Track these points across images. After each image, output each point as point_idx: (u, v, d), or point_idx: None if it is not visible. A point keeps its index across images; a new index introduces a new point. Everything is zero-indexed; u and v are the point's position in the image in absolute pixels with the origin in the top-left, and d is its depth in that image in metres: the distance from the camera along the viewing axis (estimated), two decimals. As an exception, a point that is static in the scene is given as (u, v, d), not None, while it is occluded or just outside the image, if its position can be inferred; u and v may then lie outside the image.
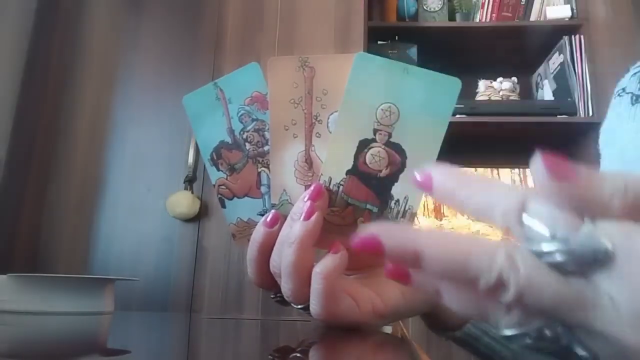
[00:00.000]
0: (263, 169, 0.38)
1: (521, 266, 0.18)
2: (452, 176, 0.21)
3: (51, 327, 0.41)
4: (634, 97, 0.48)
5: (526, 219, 0.19)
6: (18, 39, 1.62)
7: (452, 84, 0.33)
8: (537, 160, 0.19)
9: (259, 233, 0.36)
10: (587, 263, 0.17)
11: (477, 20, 1.90)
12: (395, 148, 0.34)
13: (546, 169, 0.19)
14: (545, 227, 0.18)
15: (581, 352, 0.18)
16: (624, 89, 0.49)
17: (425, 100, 0.34)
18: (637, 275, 0.17)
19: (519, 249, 0.19)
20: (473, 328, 0.40)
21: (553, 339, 0.19)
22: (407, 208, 0.35)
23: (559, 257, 0.18)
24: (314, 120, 0.36)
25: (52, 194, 1.54)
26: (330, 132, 0.35)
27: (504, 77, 1.85)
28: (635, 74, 0.50)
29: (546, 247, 0.18)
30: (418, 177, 0.22)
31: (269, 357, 0.30)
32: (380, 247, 0.20)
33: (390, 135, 0.34)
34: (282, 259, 0.34)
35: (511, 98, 1.82)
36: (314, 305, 0.33)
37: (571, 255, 0.17)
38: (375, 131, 0.34)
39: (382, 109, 0.34)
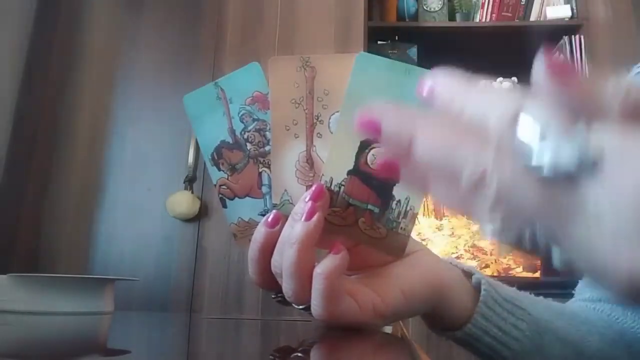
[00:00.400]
0: (264, 169, 0.38)
1: (507, 167, 0.18)
2: (452, 83, 0.21)
3: (51, 327, 0.41)
4: None
5: (520, 120, 0.18)
6: (18, 39, 1.62)
7: None
8: (539, 60, 0.18)
9: (260, 233, 0.36)
10: (573, 167, 0.17)
11: (477, 20, 1.90)
12: None
13: (548, 68, 0.18)
14: (537, 128, 0.18)
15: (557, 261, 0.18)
16: None
17: None
18: (625, 181, 0.16)
19: (508, 151, 0.18)
20: (473, 328, 0.40)
21: (532, 243, 0.18)
22: (408, 208, 0.35)
23: (547, 160, 0.17)
24: (315, 121, 0.36)
25: (52, 194, 1.54)
26: (332, 133, 0.35)
27: (504, 77, 1.85)
28: (639, 73, 0.50)
29: (536, 149, 0.17)
30: (422, 91, 0.22)
31: (269, 357, 0.30)
32: (378, 126, 0.20)
33: None
34: (283, 259, 0.34)
35: (511, 98, 1.82)
36: (315, 306, 0.33)
37: (558, 158, 0.17)
38: None
39: None
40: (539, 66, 0.19)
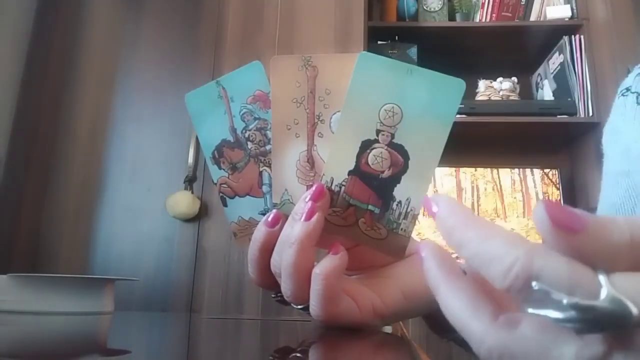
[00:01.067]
0: (265, 168, 0.38)
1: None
2: (454, 214, 0.20)
3: (51, 327, 0.41)
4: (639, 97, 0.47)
5: (537, 284, 0.17)
6: (18, 39, 1.62)
7: (456, 85, 0.33)
8: (540, 211, 0.17)
9: (260, 233, 0.36)
10: (609, 327, 0.16)
11: (477, 20, 1.90)
12: (397, 149, 0.34)
13: (551, 220, 0.17)
14: (561, 294, 0.17)
15: None
16: (628, 89, 0.49)
17: (428, 101, 0.33)
18: None
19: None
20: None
21: None
22: (409, 209, 0.34)
23: (578, 325, 0.16)
24: (316, 120, 0.36)
25: (52, 194, 1.54)
26: (333, 132, 0.35)
27: (504, 77, 1.85)
28: (639, 74, 0.49)
29: (562, 313, 0.16)
30: (428, 204, 0.22)
31: (269, 357, 0.30)
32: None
33: (393, 136, 0.34)
34: (283, 259, 0.34)
35: (511, 98, 1.82)
36: (314, 306, 0.33)
37: (593, 323, 0.16)
38: (377, 132, 0.34)
39: (385, 110, 0.34)
40: (541, 216, 0.18)
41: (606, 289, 0.16)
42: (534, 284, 0.17)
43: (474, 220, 0.20)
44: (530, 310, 0.17)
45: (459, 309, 0.20)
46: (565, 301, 0.16)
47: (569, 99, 1.71)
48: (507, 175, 1.83)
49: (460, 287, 0.20)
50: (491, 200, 1.81)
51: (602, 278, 0.16)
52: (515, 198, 1.80)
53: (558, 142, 1.85)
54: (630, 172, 0.45)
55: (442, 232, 0.21)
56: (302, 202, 0.34)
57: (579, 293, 0.16)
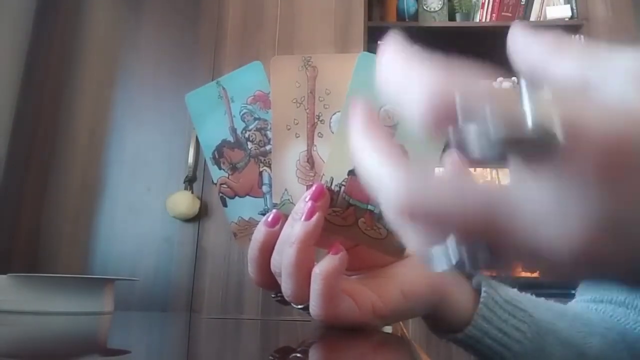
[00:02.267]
0: (265, 168, 0.38)
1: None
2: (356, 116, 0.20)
3: (51, 327, 0.41)
4: None
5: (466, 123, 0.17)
6: (18, 39, 1.62)
7: None
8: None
9: (260, 233, 0.36)
10: (543, 149, 0.16)
11: (477, 20, 1.90)
12: None
13: None
14: (495, 123, 0.16)
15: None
16: None
17: None
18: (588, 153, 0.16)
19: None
20: (474, 330, 0.40)
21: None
22: None
23: (517, 148, 0.17)
24: (316, 120, 0.36)
25: (52, 193, 1.54)
26: (333, 132, 0.35)
27: (503, 77, 1.85)
28: None
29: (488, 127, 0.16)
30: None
31: (269, 357, 0.30)
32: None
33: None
34: (283, 258, 0.34)
35: (511, 98, 1.82)
36: (314, 306, 0.33)
37: (527, 146, 0.16)
38: None
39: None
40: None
41: (530, 107, 0.16)
42: (457, 98, 0.16)
43: (364, 131, 0.20)
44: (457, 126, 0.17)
45: (373, 165, 0.19)
46: (488, 110, 0.16)
47: (569, 99, 1.71)
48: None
49: (378, 146, 0.20)
50: (491, 200, 1.81)
51: (526, 103, 0.16)
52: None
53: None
54: None
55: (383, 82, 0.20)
56: (302, 202, 0.34)
57: (506, 122, 0.16)
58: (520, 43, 0.20)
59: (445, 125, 0.17)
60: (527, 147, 0.16)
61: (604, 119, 0.16)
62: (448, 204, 0.17)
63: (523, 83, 0.17)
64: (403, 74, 0.19)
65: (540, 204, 0.17)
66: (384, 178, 0.19)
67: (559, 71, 0.19)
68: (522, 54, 0.20)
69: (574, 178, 0.16)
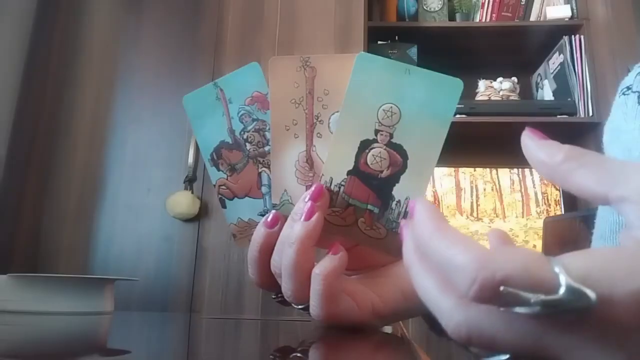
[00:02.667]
0: (264, 169, 0.38)
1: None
2: (424, 222, 0.22)
3: (51, 327, 0.41)
4: None
5: (505, 289, 0.18)
6: (18, 39, 1.62)
7: (454, 85, 0.33)
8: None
9: (259, 233, 0.36)
10: (573, 314, 0.18)
11: (477, 20, 1.90)
12: (396, 149, 0.34)
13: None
14: (527, 294, 0.18)
15: None
16: (628, 87, 0.49)
17: (426, 101, 0.33)
18: (625, 311, 0.17)
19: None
20: (474, 329, 0.40)
21: None
22: (408, 209, 0.35)
23: (542, 311, 0.18)
24: (315, 121, 0.36)
25: (52, 194, 1.54)
26: (332, 133, 0.35)
27: (504, 77, 1.85)
28: (639, 73, 0.49)
29: (532, 309, 0.18)
30: (411, 209, 0.23)
31: (269, 357, 0.30)
32: None
33: (391, 136, 0.34)
34: (283, 259, 0.34)
35: (511, 98, 1.82)
36: (314, 306, 0.33)
37: (559, 313, 0.18)
38: (376, 132, 0.34)
39: (383, 110, 0.34)
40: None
41: (564, 280, 0.17)
42: (501, 288, 0.18)
43: (440, 230, 0.21)
44: (501, 309, 0.19)
45: (430, 287, 0.21)
46: (531, 300, 0.18)
47: (569, 99, 1.71)
48: (506, 175, 1.83)
49: (433, 268, 0.22)
50: (490, 200, 1.81)
51: (557, 269, 0.18)
52: (514, 198, 1.80)
53: (558, 142, 1.85)
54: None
55: (416, 239, 0.22)
56: (302, 202, 0.34)
57: (541, 291, 0.18)
58: (535, 155, 0.22)
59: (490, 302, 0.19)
60: (562, 308, 0.18)
61: (635, 279, 0.17)
62: (501, 333, 0.19)
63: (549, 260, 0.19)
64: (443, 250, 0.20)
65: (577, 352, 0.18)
66: (440, 304, 0.21)
67: (578, 185, 0.21)
68: (538, 165, 0.22)
69: (608, 334, 0.18)
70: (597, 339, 0.18)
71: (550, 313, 0.18)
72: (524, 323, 0.19)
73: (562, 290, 0.17)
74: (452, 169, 1.84)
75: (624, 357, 0.18)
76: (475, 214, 1.80)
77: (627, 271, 0.17)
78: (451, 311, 0.20)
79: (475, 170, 1.84)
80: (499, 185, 1.82)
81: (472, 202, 1.81)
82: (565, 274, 0.18)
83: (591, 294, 0.17)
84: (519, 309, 0.18)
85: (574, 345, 0.18)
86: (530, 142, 0.22)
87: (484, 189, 1.82)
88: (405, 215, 0.35)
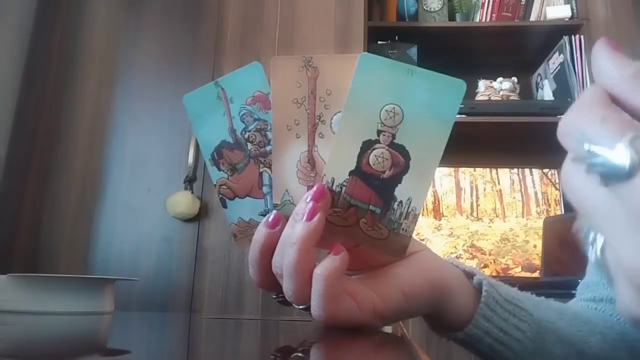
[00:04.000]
0: (265, 169, 0.38)
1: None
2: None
3: (51, 327, 0.41)
4: None
5: (576, 135, 0.19)
6: (18, 38, 1.62)
7: (456, 86, 0.33)
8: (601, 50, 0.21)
9: (260, 234, 0.36)
10: (615, 176, 0.18)
11: (477, 20, 1.90)
12: (399, 149, 0.34)
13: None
14: (587, 143, 0.19)
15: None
16: None
17: (429, 101, 0.33)
18: None
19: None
20: (475, 329, 0.40)
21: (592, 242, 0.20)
22: (410, 209, 0.34)
23: (595, 169, 0.19)
24: (317, 121, 0.36)
25: (52, 194, 1.54)
26: (334, 133, 0.35)
27: (504, 77, 1.85)
28: None
29: (588, 159, 0.19)
30: None
31: (269, 357, 0.30)
32: None
33: (394, 137, 0.34)
34: (284, 259, 0.34)
35: (511, 98, 1.82)
36: (315, 307, 0.33)
37: (603, 168, 0.18)
38: (379, 132, 0.34)
39: (386, 110, 0.34)
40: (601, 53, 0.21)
41: (623, 144, 0.18)
42: (576, 134, 0.19)
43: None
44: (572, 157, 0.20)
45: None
46: (587, 148, 0.19)
47: (569, 99, 1.71)
48: (506, 175, 1.83)
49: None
50: (490, 200, 1.81)
51: (628, 135, 0.18)
52: (514, 198, 1.80)
53: (558, 142, 1.85)
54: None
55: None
56: (303, 203, 0.34)
57: (601, 144, 0.18)
58: (603, 64, 0.22)
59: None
60: (606, 168, 0.18)
61: None
62: None
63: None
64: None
65: None
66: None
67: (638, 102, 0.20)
68: (603, 75, 0.22)
69: None
70: (629, 215, 0.18)
71: (602, 170, 0.18)
72: (593, 184, 0.19)
73: (616, 149, 0.18)
74: (452, 169, 1.84)
75: None
76: (475, 214, 1.80)
77: None
78: (565, 162, 0.21)
79: (475, 170, 1.84)
80: (499, 185, 1.82)
81: (472, 202, 1.81)
82: (631, 139, 0.18)
83: (635, 160, 0.17)
84: (581, 158, 0.19)
85: (613, 220, 0.18)
86: (601, 51, 0.22)
87: (484, 189, 1.83)
88: (407, 216, 0.35)
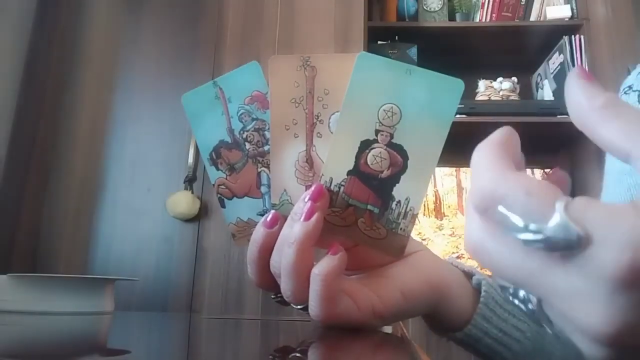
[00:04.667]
0: (263, 168, 0.38)
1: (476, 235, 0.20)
2: (481, 151, 0.22)
3: (51, 327, 0.41)
4: None
5: (501, 208, 0.19)
6: (18, 39, 1.62)
7: (455, 85, 0.33)
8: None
9: (258, 233, 0.36)
10: (561, 249, 0.18)
11: (477, 20, 1.90)
12: (397, 149, 0.34)
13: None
14: (519, 218, 0.18)
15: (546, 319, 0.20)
16: (630, 87, 0.49)
17: (427, 101, 0.33)
18: (611, 261, 0.17)
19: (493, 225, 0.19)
20: (474, 329, 0.40)
21: (524, 299, 0.20)
22: (408, 209, 0.34)
23: (535, 245, 0.18)
24: (315, 120, 0.36)
25: (52, 194, 1.54)
26: (332, 132, 0.35)
27: (504, 77, 1.85)
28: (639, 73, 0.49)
29: (522, 236, 0.18)
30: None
31: (269, 357, 0.30)
32: None
33: (392, 136, 0.34)
34: (282, 259, 0.34)
35: (511, 98, 1.82)
36: (313, 306, 0.33)
37: (545, 243, 0.18)
38: (377, 132, 0.34)
39: (384, 110, 0.34)
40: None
41: (559, 215, 0.17)
42: (499, 207, 0.18)
43: (483, 157, 0.21)
44: (501, 232, 0.19)
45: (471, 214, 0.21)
46: (521, 224, 0.18)
47: (569, 99, 1.70)
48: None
49: (496, 154, 0.21)
50: (491, 200, 1.81)
51: (559, 205, 0.18)
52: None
53: (558, 142, 1.85)
54: (632, 170, 0.46)
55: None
56: (302, 202, 0.34)
57: (532, 218, 0.18)
58: (574, 94, 0.21)
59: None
60: (548, 241, 0.18)
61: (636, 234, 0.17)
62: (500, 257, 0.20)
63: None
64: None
65: (567, 289, 0.18)
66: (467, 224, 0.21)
67: (605, 136, 0.20)
68: (574, 105, 0.21)
69: (594, 283, 0.17)
70: (581, 285, 0.18)
71: (540, 245, 0.18)
72: (521, 254, 0.19)
73: (553, 222, 0.17)
74: (454, 168, 1.84)
75: (606, 312, 0.17)
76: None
77: (630, 225, 0.17)
78: (471, 228, 0.20)
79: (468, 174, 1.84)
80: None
81: (472, 202, 1.81)
82: (565, 209, 0.17)
83: (579, 232, 0.17)
84: (514, 234, 0.18)
85: (557, 288, 0.18)
86: (574, 81, 0.21)
87: (485, 189, 1.82)
88: (405, 216, 0.35)
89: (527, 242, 0.18)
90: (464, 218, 0.21)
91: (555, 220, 0.17)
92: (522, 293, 0.21)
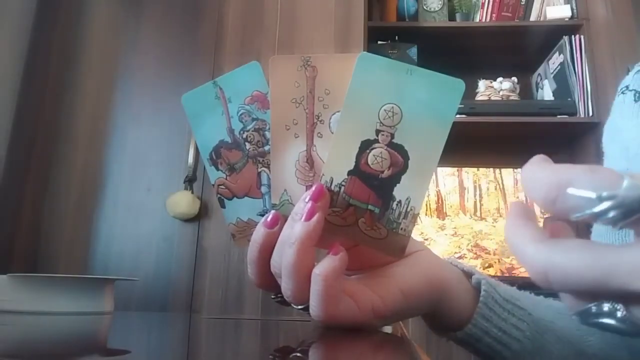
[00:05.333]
0: (263, 168, 0.38)
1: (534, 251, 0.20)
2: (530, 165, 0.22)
3: (51, 327, 0.41)
4: (637, 94, 0.48)
5: (571, 190, 0.20)
6: (18, 39, 1.62)
7: (455, 85, 0.33)
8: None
9: (259, 234, 0.36)
10: (637, 209, 0.19)
11: (477, 20, 1.90)
12: (397, 149, 0.34)
13: None
14: (590, 192, 0.19)
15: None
16: (627, 87, 0.49)
17: (428, 101, 0.33)
18: None
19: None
20: (474, 329, 0.40)
21: (611, 311, 0.21)
22: (409, 209, 0.34)
23: (611, 213, 0.19)
24: (315, 120, 0.36)
25: (52, 194, 1.54)
26: (332, 132, 0.35)
27: (504, 77, 1.85)
28: (639, 71, 0.50)
29: (597, 208, 0.19)
30: None
31: (269, 357, 0.30)
32: None
33: (392, 136, 0.34)
34: (283, 259, 0.34)
35: (511, 98, 1.82)
36: (313, 307, 0.33)
37: (622, 207, 0.19)
38: (377, 132, 0.34)
39: (384, 110, 0.34)
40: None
41: (626, 180, 0.19)
42: (569, 190, 0.20)
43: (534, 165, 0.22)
44: (575, 215, 0.20)
45: (520, 241, 0.22)
46: (594, 196, 0.19)
47: (569, 99, 1.71)
48: (509, 175, 1.83)
49: (523, 226, 0.22)
50: (494, 199, 1.81)
51: (623, 174, 0.19)
52: (517, 198, 1.80)
53: (558, 142, 1.85)
54: (629, 170, 0.46)
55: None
56: (302, 202, 0.34)
57: (603, 188, 0.19)
58: (530, 176, 0.22)
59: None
60: (625, 203, 0.19)
61: None
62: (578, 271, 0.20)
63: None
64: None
65: None
66: (525, 250, 0.21)
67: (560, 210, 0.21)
68: (530, 185, 0.22)
69: None
70: None
71: (616, 212, 0.19)
72: (591, 247, 0.19)
73: (623, 185, 0.18)
74: (456, 168, 1.84)
75: None
76: (478, 214, 1.80)
77: None
78: (533, 254, 0.21)
79: (478, 170, 1.84)
80: (503, 185, 1.82)
81: (475, 202, 1.81)
82: (629, 176, 0.19)
83: None
84: (589, 211, 0.19)
85: (636, 263, 0.19)
86: (530, 166, 0.23)
87: (488, 189, 1.83)
88: (405, 216, 0.35)
89: (602, 213, 0.19)
90: (516, 259, 0.22)
91: (626, 183, 0.19)
92: (606, 306, 0.21)
